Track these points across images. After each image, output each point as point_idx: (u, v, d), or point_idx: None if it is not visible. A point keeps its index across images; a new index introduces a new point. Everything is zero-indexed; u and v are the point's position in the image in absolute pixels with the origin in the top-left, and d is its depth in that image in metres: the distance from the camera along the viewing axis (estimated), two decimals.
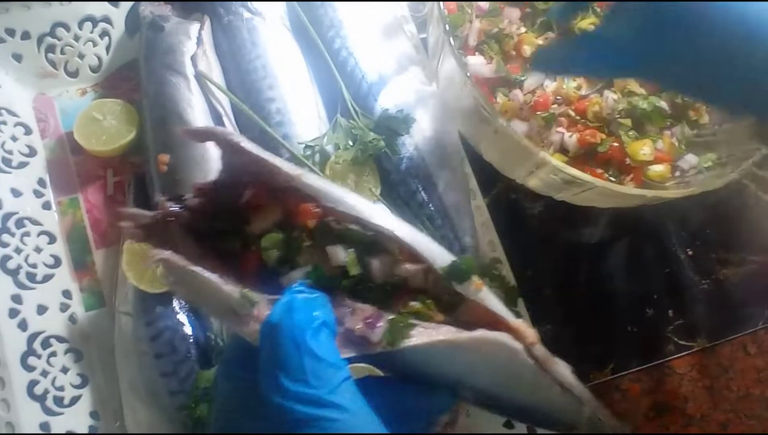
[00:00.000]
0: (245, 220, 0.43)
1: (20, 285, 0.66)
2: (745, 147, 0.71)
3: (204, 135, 0.44)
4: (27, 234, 0.69)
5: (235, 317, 0.39)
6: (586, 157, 0.76)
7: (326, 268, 0.41)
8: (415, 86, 0.75)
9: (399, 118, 0.70)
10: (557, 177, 0.68)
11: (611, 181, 0.74)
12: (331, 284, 0.40)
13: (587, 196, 0.71)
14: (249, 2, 0.75)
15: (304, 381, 0.35)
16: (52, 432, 0.62)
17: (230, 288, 0.39)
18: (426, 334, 0.38)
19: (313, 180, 0.42)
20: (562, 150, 0.77)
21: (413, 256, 0.40)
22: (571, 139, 0.76)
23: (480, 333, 0.38)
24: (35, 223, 0.70)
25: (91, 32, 0.76)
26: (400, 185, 0.72)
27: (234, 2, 0.75)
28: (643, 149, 0.76)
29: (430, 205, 0.72)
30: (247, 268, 0.42)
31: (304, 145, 0.69)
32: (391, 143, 0.69)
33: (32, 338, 0.65)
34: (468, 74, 0.68)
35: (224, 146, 0.42)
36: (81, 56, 0.76)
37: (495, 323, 0.39)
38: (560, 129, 0.76)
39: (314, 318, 0.37)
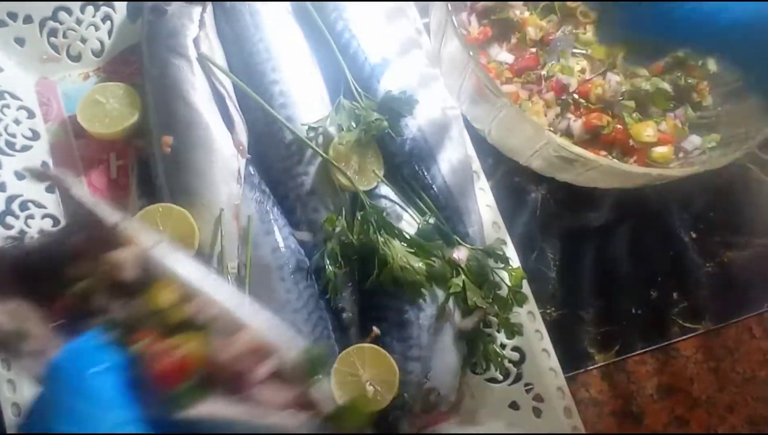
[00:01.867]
0: (67, 265, 0.45)
1: None
2: (748, 127, 0.71)
3: (43, 176, 0.51)
4: (31, 217, 0.69)
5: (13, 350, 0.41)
6: (591, 140, 0.77)
7: (136, 316, 0.42)
8: (418, 68, 0.75)
9: (402, 99, 0.69)
10: (561, 153, 0.67)
11: None
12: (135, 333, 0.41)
13: (591, 176, 0.71)
14: None
15: (75, 423, 0.36)
16: None
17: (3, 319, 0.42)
18: (215, 406, 0.39)
19: (136, 228, 0.44)
20: (567, 134, 0.77)
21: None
22: (575, 123, 0.77)
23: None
24: (39, 205, 0.70)
25: (93, 16, 0.76)
26: (404, 167, 0.72)
27: None
28: (647, 131, 0.76)
29: (434, 187, 0.71)
30: (58, 311, 0.43)
31: (307, 127, 0.69)
32: (394, 124, 0.69)
33: None
34: (471, 54, 0.68)
35: (59, 189, 0.44)
36: (83, 40, 0.76)
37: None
38: (569, 115, 0.77)
39: (99, 362, 0.38)
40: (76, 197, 0.45)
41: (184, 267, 0.45)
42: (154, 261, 0.44)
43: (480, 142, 0.77)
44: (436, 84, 0.76)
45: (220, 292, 0.44)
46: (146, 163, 0.71)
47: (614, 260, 0.80)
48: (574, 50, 0.80)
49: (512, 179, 0.80)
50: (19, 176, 0.70)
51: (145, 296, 0.42)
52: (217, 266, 0.66)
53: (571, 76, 0.77)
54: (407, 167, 0.72)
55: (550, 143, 0.66)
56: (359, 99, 0.70)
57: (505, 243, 0.73)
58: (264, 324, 0.43)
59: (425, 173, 0.72)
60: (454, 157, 0.73)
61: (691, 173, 0.67)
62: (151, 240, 0.44)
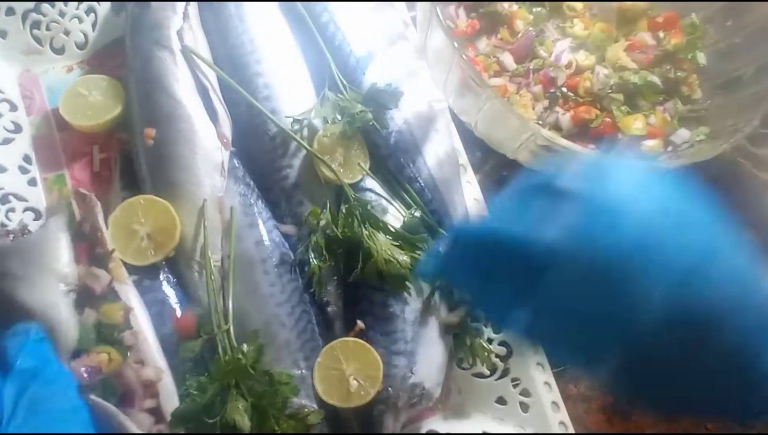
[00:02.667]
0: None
1: None
2: (737, 120, 0.71)
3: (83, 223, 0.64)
4: (12, 210, 0.68)
5: None
6: (579, 133, 0.76)
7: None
8: (404, 60, 0.74)
9: (387, 91, 0.69)
10: (546, 144, 0.67)
11: None
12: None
13: None
14: None
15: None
16: None
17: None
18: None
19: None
20: (556, 128, 0.76)
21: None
22: (564, 117, 0.76)
23: None
24: (21, 199, 0.69)
25: (77, 9, 0.75)
26: (390, 160, 0.71)
27: None
28: (636, 124, 0.76)
29: (420, 180, 0.71)
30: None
31: (292, 120, 0.69)
32: (379, 117, 0.68)
33: None
34: (456, 45, 0.67)
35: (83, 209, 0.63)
36: (67, 33, 0.75)
37: None
38: (557, 108, 0.76)
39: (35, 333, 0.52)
40: (98, 224, 0.62)
41: (138, 304, 0.62)
42: (120, 290, 0.61)
43: (467, 135, 0.76)
44: (423, 76, 0.75)
45: (150, 335, 0.61)
46: (129, 155, 0.70)
47: None
48: None
49: (500, 173, 0.79)
50: (1, 169, 0.69)
51: (100, 309, 0.58)
52: (200, 259, 0.65)
53: (559, 70, 0.77)
54: (393, 160, 0.71)
55: (536, 135, 0.66)
56: (344, 91, 0.70)
57: None
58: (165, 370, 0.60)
59: (411, 166, 0.71)
60: (440, 149, 0.73)
61: (678, 165, 0.67)
62: (125, 276, 0.62)
